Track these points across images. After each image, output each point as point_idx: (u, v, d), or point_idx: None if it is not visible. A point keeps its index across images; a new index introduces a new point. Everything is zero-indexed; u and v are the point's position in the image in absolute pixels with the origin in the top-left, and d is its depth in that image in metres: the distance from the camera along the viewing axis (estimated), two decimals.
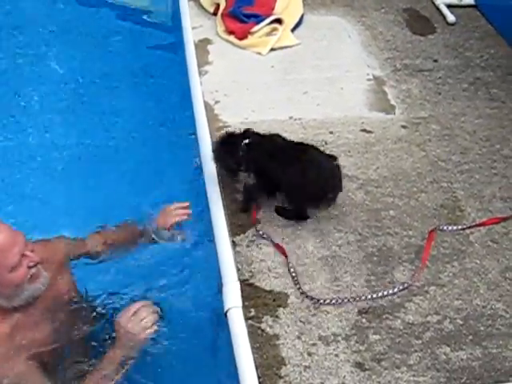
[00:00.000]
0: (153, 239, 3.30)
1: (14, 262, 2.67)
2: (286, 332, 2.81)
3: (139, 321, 2.74)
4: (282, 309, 2.90)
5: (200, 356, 3.07)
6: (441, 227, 3.23)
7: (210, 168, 3.50)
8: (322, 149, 3.39)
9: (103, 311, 3.20)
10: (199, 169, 3.68)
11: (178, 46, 4.83)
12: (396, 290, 2.95)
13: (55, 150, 4.59)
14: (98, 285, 3.30)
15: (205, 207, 3.41)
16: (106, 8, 5.91)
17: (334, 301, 2.90)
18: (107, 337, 3.03)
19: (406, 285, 2.97)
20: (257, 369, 2.65)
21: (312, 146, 3.27)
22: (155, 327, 2.77)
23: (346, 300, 2.92)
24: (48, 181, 4.34)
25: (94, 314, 3.17)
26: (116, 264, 3.34)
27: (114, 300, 3.26)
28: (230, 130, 3.45)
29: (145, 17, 5.95)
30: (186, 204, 3.30)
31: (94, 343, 3.05)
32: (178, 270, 3.35)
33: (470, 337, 2.83)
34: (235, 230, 3.23)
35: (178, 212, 3.28)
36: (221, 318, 2.91)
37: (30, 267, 2.74)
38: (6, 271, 2.68)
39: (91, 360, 2.96)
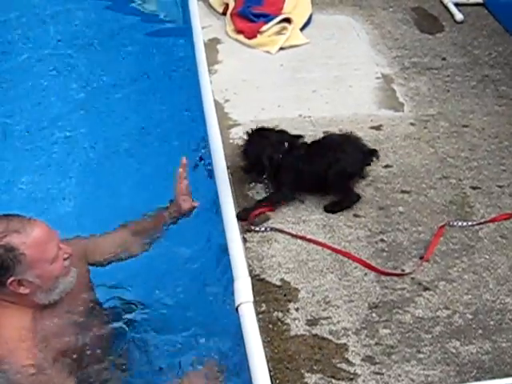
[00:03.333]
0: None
1: (54, 253, 2.78)
2: (296, 326, 2.83)
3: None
4: (292, 304, 2.92)
5: (211, 350, 3.09)
6: (451, 223, 3.25)
7: (220, 165, 3.53)
8: None
9: (119, 310, 3.25)
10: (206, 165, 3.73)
11: (189, 47, 4.86)
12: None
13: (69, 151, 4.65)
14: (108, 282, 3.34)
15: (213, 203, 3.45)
16: (115, 12, 5.95)
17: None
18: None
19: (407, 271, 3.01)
20: (268, 362, 2.66)
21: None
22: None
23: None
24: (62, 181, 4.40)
25: (111, 313, 3.22)
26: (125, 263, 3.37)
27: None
28: (264, 125, 3.51)
29: (155, 20, 6.01)
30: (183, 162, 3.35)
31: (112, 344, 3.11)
32: (190, 266, 3.38)
33: (480, 331, 2.84)
34: (246, 226, 3.25)
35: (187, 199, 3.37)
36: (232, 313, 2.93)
37: (65, 259, 2.84)
38: (47, 263, 2.77)
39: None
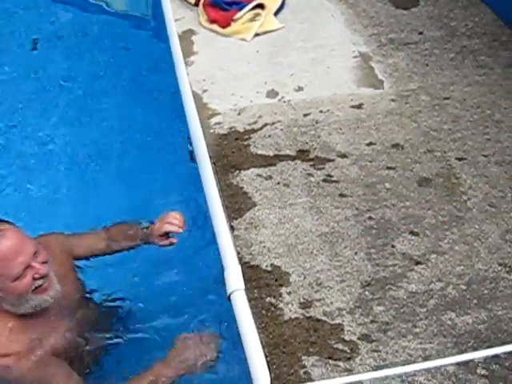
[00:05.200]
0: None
1: (15, 272, 2.62)
2: (290, 310, 2.80)
3: (204, 352, 2.82)
4: (284, 288, 2.89)
5: None
6: None
7: (203, 156, 3.50)
8: (313, 127, 3.42)
9: (113, 307, 3.26)
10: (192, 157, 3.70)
11: (163, 41, 4.82)
12: None
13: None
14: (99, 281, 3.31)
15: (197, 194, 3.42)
16: (84, 11, 5.91)
17: None
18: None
19: None
20: (264, 348, 2.64)
21: None
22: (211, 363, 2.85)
23: None
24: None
25: (105, 311, 3.20)
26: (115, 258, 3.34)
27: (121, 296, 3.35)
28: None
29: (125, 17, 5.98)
30: (182, 218, 3.22)
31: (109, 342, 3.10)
32: (179, 258, 3.35)
33: (475, 301, 2.82)
34: (232, 214, 3.23)
35: (174, 222, 3.18)
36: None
37: (35, 279, 2.68)
38: (8, 280, 2.64)
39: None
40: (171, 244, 3.20)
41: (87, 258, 3.23)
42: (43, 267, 2.70)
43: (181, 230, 3.15)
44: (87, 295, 3.17)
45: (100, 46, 5.60)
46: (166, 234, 3.17)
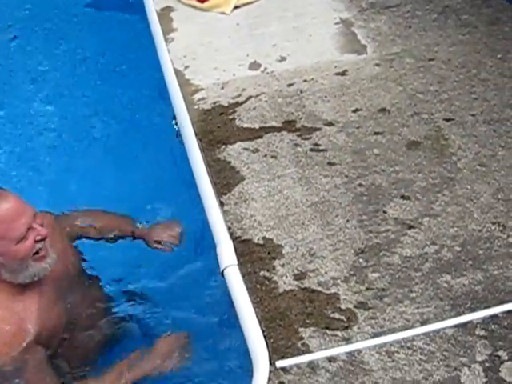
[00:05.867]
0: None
1: (20, 233, 2.60)
2: (284, 283, 2.78)
3: (177, 351, 2.82)
4: (277, 260, 2.86)
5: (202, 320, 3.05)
6: None
7: (188, 132, 3.47)
8: (298, 97, 3.40)
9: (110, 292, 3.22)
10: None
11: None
12: None
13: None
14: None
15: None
16: None
17: None
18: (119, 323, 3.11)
19: None
20: (260, 323, 2.61)
21: None
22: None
23: None
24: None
25: (103, 294, 3.18)
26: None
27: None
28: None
29: None
30: (178, 229, 3.25)
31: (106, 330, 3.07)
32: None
33: (470, 262, 2.79)
34: (221, 189, 3.19)
35: (173, 234, 3.24)
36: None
37: (36, 241, 2.66)
38: (11, 243, 2.60)
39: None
40: (164, 250, 3.22)
41: (78, 239, 3.21)
42: (43, 229, 2.69)
43: (177, 243, 3.20)
44: (88, 276, 3.14)
45: (80, 28, 5.52)
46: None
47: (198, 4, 4.55)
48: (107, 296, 3.18)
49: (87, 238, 3.24)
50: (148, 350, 2.85)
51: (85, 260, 3.16)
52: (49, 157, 4.44)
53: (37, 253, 2.68)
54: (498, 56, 3.85)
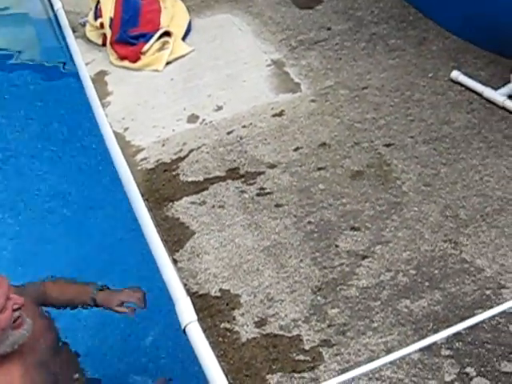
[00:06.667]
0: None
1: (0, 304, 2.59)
2: (246, 332, 2.76)
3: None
4: (236, 310, 2.85)
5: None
6: None
7: (134, 194, 3.45)
8: (238, 144, 3.44)
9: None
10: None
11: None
12: None
13: None
14: None
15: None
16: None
17: None
18: None
19: None
20: (227, 376, 2.59)
21: None
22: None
23: None
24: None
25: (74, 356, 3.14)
26: None
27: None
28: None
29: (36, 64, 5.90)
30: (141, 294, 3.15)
31: None
32: None
33: (427, 283, 2.81)
34: (173, 246, 3.18)
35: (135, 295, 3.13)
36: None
37: (14, 310, 2.63)
38: None
39: None
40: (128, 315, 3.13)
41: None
42: (19, 297, 2.68)
43: (142, 305, 3.09)
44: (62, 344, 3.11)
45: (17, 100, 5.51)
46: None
47: (131, 65, 4.57)
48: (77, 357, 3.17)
49: (50, 306, 3.20)
50: None
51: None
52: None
53: (15, 321, 2.66)
54: (429, 75, 3.92)
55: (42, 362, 2.86)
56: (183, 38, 4.72)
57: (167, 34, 4.67)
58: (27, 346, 2.78)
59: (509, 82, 3.65)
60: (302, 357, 2.63)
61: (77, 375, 3.06)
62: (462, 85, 3.79)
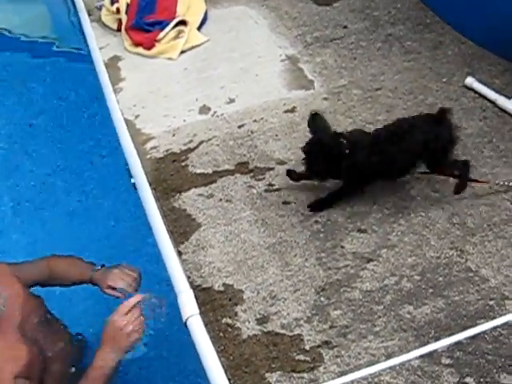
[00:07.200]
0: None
1: None
2: (247, 328, 2.76)
3: (133, 320, 2.72)
4: (239, 306, 2.85)
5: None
6: None
7: (142, 183, 3.45)
8: (249, 138, 3.43)
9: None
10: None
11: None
12: None
13: None
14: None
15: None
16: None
17: None
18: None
19: None
20: (226, 371, 2.58)
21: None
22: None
23: None
24: None
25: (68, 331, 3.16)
26: None
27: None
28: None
29: (53, 47, 5.91)
30: (135, 275, 3.11)
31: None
32: None
33: (430, 290, 2.81)
34: (178, 238, 3.18)
35: (126, 279, 3.08)
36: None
37: None
38: None
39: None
40: (117, 297, 3.08)
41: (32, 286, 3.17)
42: None
43: (131, 289, 3.03)
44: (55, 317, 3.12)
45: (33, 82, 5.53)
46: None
47: (145, 52, 4.55)
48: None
49: (42, 285, 3.20)
50: (101, 339, 2.81)
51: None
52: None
53: None
54: (444, 80, 3.90)
55: (30, 335, 2.87)
56: (199, 28, 4.70)
57: (183, 22, 4.65)
58: (6, 321, 2.78)
59: None
60: (302, 357, 2.63)
61: (69, 345, 3.09)
62: (475, 92, 3.77)
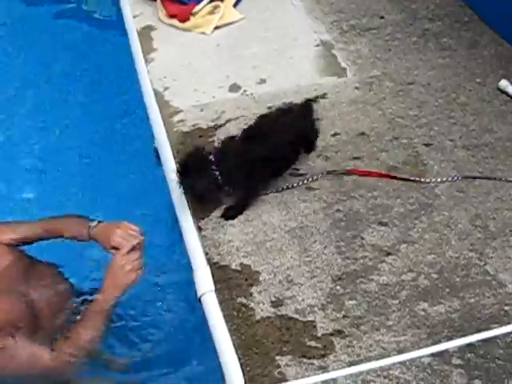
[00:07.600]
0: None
1: None
2: (261, 310, 2.76)
3: (133, 260, 2.90)
4: (254, 287, 2.85)
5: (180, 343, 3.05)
6: None
7: (167, 155, 3.45)
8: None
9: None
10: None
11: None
12: None
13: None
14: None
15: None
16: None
17: None
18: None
19: None
20: (237, 351, 2.60)
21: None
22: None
23: None
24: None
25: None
26: None
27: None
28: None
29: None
30: (140, 235, 3.08)
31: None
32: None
33: (447, 289, 2.80)
34: (199, 214, 3.17)
35: (125, 237, 3.05)
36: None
37: None
38: None
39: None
40: None
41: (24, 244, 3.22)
42: None
43: (133, 244, 3.01)
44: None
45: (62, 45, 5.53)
46: None
47: (179, 24, 4.52)
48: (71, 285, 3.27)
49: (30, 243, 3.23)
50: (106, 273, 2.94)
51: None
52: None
53: None
54: (477, 80, 3.88)
55: (14, 289, 2.95)
56: (235, 5, 4.64)
57: None
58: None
59: None
60: (313, 343, 2.63)
61: (62, 287, 3.17)
62: (508, 95, 3.74)
